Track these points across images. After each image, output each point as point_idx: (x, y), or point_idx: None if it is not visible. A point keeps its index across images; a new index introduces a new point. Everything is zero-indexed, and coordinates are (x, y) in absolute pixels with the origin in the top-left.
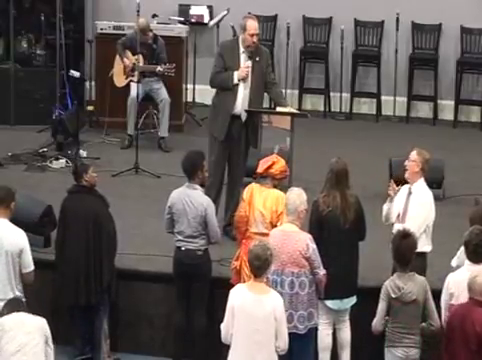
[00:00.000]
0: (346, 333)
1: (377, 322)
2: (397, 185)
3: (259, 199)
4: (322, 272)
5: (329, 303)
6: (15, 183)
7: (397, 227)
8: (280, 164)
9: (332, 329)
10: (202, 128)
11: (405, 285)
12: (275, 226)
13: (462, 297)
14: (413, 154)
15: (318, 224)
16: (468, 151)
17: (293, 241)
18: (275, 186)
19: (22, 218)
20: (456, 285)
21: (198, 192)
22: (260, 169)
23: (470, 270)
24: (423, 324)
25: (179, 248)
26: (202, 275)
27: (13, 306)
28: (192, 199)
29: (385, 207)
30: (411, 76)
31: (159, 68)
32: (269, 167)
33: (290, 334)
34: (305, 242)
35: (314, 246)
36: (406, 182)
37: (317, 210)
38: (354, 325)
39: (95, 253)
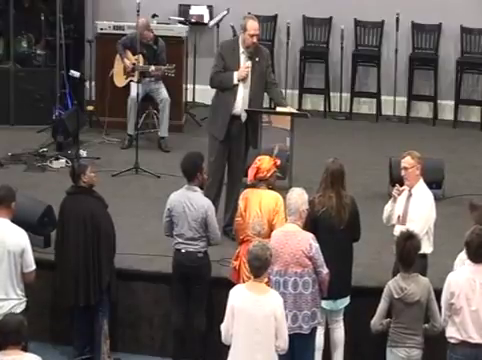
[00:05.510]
0: (339, 334)
1: (376, 321)
2: (396, 186)
3: (255, 201)
4: (325, 271)
5: (322, 303)
6: (15, 183)
7: (398, 228)
8: (265, 164)
9: (324, 329)
10: (202, 128)
11: (408, 286)
12: (272, 224)
13: (462, 296)
14: (408, 160)
15: (313, 224)
16: (468, 151)
17: (295, 241)
18: (269, 186)
19: (22, 218)
20: (457, 284)
21: (198, 194)
22: (250, 178)
23: (471, 270)
24: (426, 325)
25: (179, 250)
26: (202, 277)
27: None
28: (193, 201)
29: (388, 208)
30: (411, 76)
31: (152, 68)
32: (257, 173)
33: (294, 334)
34: (308, 241)
35: (317, 245)
36: None
37: (312, 210)
38: (353, 325)
39: (93, 254)
